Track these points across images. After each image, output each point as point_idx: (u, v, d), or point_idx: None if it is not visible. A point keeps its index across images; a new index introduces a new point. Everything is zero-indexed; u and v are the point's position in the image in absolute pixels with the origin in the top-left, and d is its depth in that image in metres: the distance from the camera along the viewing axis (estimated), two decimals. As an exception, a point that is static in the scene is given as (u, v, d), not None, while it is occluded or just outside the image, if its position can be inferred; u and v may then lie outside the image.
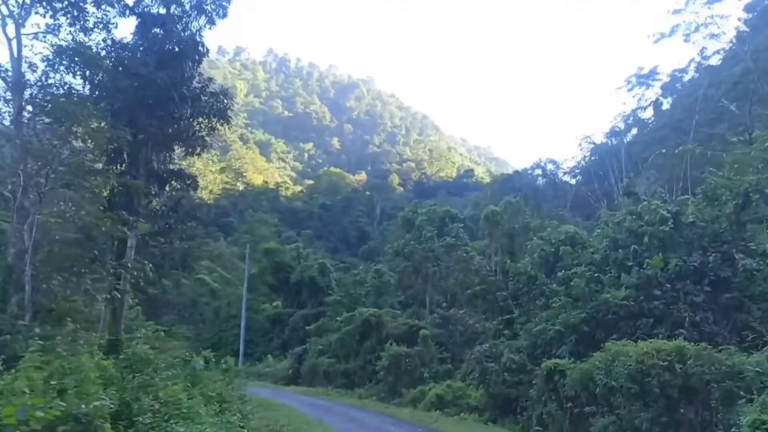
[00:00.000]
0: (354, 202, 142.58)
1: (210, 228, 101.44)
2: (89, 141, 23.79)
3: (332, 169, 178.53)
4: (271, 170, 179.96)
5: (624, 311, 22.30)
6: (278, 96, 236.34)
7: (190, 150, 35.97)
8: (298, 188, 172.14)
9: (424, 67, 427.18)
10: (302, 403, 31.85)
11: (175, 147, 35.58)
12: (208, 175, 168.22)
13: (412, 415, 27.58)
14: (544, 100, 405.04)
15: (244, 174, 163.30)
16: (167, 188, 36.71)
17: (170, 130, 30.94)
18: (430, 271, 47.07)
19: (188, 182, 36.82)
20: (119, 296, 31.16)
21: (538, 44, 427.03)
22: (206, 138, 36.11)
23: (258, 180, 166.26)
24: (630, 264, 24.10)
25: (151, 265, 29.80)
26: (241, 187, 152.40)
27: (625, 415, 17.29)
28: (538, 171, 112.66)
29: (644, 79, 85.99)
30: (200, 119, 32.18)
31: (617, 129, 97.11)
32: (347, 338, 44.12)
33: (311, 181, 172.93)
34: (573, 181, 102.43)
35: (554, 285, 27.02)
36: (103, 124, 24.59)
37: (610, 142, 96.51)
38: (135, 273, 28.47)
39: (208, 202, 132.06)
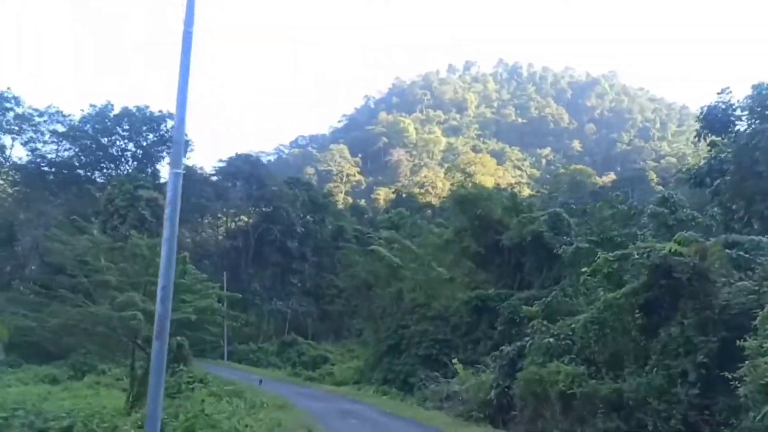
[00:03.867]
0: (601, 199, 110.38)
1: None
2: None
3: (574, 166, 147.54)
4: (503, 174, 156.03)
5: None
6: (510, 104, 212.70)
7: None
8: (534, 191, 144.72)
9: (676, 53, 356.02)
10: None
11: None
12: (438, 184, 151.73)
13: None
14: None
15: (473, 176, 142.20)
16: None
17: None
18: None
19: None
20: None
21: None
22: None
23: (489, 182, 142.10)
24: None
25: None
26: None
27: None
28: None
29: None
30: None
31: None
32: (614, 315, 17.06)
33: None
34: None
35: None
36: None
37: None
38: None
39: (435, 205, 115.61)
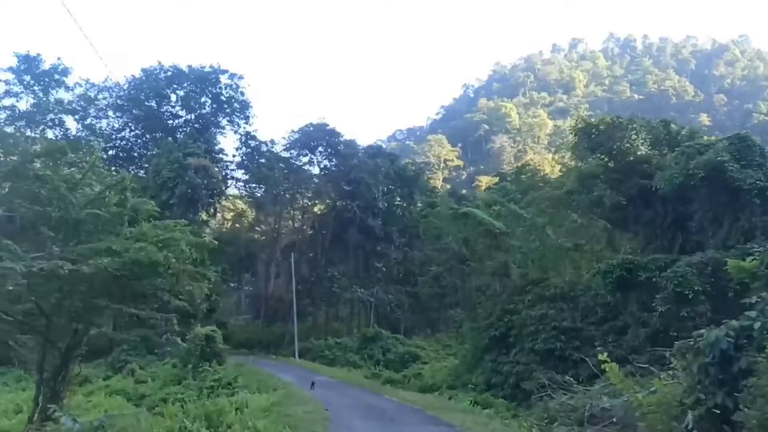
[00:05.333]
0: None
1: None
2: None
3: (705, 138, 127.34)
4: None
5: None
6: (624, 80, 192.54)
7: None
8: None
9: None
10: None
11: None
12: (546, 168, 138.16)
13: None
14: None
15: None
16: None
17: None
18: None
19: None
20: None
21: None
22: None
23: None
24: None
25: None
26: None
27: None
28: None
29: None
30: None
31: None
32: None
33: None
34: None
35: None
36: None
37: None
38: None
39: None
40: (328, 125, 55.33)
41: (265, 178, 52.75)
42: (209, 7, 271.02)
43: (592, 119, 28.56)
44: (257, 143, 55.69)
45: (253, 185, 57.18)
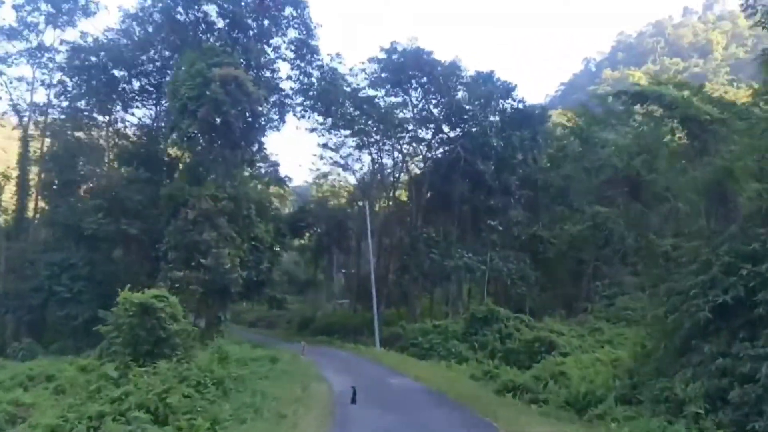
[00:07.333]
0: None
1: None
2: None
3: None
4: None
5: None
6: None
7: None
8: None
9: None
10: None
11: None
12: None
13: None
14: None
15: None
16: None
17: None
18: None
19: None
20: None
21: None
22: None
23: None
24: None
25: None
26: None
27: None
28: None
29: None
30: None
31: None
32: None
33: None
34: None
35: None
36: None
37: None
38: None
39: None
40: (423, 50, 39.87)
41: (324, 94, 37.75)
42: None
43: None
44: (315, 57, 39.88)
45: (338, 141, 44.12)
